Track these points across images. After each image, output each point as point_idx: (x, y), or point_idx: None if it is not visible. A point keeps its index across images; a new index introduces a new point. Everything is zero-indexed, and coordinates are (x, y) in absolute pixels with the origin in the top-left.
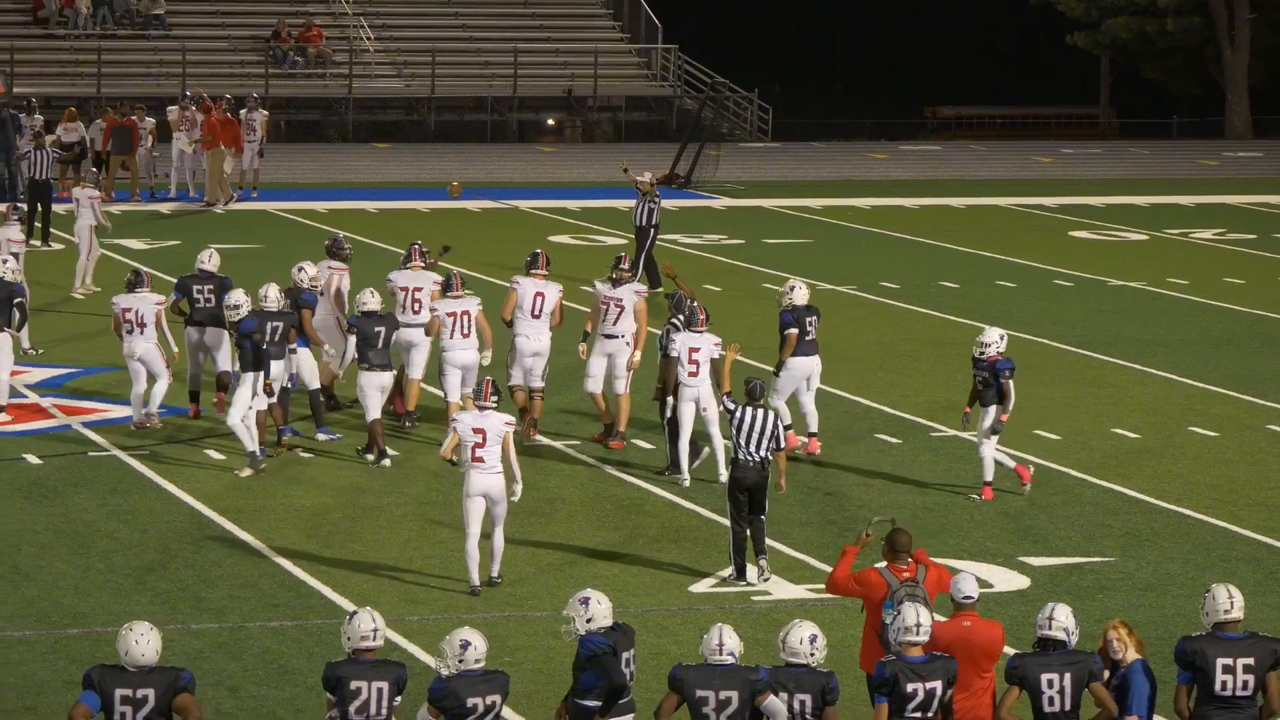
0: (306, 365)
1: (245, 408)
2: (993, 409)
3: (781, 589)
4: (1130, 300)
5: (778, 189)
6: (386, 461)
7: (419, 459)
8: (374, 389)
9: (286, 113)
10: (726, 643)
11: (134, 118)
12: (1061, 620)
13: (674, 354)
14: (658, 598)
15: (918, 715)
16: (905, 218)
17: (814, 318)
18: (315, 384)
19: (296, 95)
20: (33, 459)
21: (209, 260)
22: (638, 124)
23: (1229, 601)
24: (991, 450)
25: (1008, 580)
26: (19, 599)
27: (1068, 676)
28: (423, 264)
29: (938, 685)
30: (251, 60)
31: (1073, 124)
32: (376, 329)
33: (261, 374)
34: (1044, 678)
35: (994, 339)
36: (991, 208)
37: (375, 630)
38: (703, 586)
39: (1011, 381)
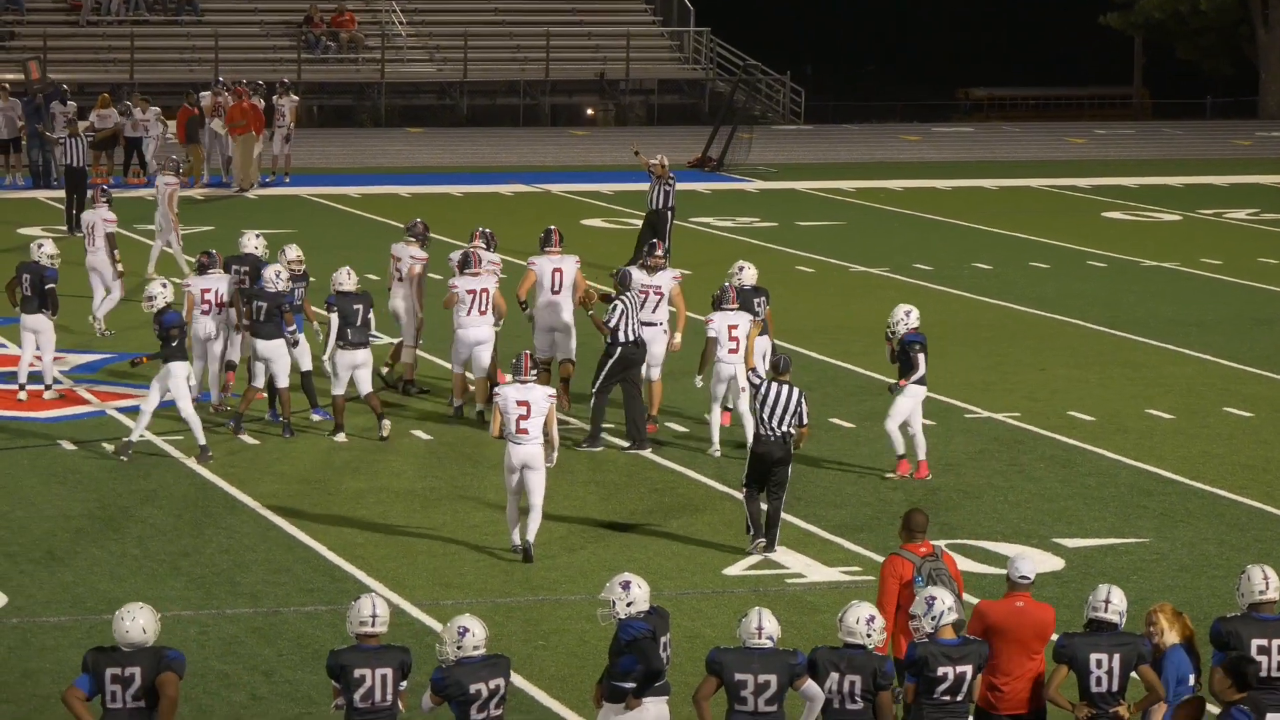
0: (302, 347)
1: (189, 399)
2: (914, 388)
3: (815, 571)
4: (1164, 281)
5: (810, 171)
6: (341, 436)
7: (454, 442)
8: (346, 367)
9: (319, 98)
10: (765, 626)
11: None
12: (1117, 604)
13: (712, 334)
14: (691, 580)
15: (947, 699)
16: (938, 199)
17: (762, 299)
18: (307, 366)
19: (329, 80)
20: (67, 445)
21: (249, 244)
22: (670, 107)
23: (1264, 582)
24: (894, 426)
25: (1042, 561)
26: (54, 584)
27: (1116, 658)
28: (484, 245)
29: (968, 669)
30: (284, 45)
31: (1106, 104)
32: (354, 307)
33: (186, 364)
34: (1093, 658)
35: (900, 316)
36: (1024, 189)
37: (375, 616)
38: (737, 569)
39: (922, 355)
